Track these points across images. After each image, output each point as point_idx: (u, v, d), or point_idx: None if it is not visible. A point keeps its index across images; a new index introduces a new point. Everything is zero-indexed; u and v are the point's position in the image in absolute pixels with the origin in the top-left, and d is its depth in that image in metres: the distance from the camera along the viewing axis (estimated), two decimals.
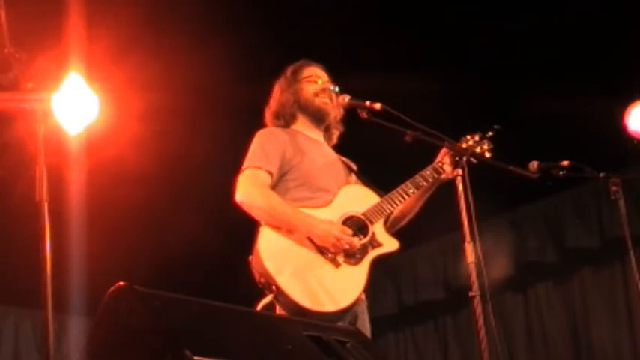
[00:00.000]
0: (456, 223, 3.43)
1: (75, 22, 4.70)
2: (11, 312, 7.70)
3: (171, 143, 5.80)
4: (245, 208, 3.71)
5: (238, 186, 3.74)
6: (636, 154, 5.04)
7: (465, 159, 3.54)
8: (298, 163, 3.82)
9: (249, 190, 3.71)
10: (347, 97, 3.74)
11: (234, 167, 3.87)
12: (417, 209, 3.96)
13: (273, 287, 3.52)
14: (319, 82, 3.98)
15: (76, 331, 7.33)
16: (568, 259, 6.99)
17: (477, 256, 3.39)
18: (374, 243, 3.72)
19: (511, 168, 3.73)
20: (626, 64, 5.33)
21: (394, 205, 3.79)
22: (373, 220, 3.73)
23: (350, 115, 3.79)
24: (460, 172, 3.50)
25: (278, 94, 3.99)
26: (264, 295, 3.59)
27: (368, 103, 3.64)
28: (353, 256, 3.66)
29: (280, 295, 3.51)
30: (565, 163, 4.18)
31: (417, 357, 7.91)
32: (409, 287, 7.78)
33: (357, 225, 3.71)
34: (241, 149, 3.89)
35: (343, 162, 4.02)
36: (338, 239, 3.60)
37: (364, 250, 3.69)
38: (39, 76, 2.97)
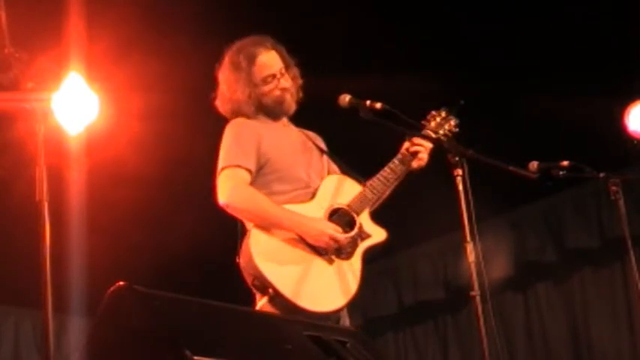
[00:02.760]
0: (456, 223, 3.43)
1: (75, 22, 4.70)
2: (11, 312, 7.69)
3: (171, 143, 5.79)
4: (231, 210, 3.65)
5: (220, 188, 3.66)
6: (636, 154, 5.04)
7: (463, 159, 3.53)
8: (273, 155, 3.73)
9: (233, 191, 3.62)
10: (348, 97, 3.73)
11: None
12: (386, 196, 3.87)
13: (270, 290, 3.48)
14: (276, 78, 3.84)
15: (76, 331, 7.33)
16: (568, 259, 6.99)
17: (477, 256, 3.39)
18: (362, 235, 3.68)
19: (511, 168, 3.73)
20: (626, 64, 5.33)
21: (376, 193, 3.75)
22: (359, 211, 3.69)
23: (350, 115, 3.78)
24: (460, 171, 3.50)
25: (233, 87, 3.82)
26: (255, 297, 3.57)
27: (368, 102, 3.64)
28: (344, 250, 3.63)
29: (277, 297, 3.47)
30: (565, 163, 4.18)
31: (417, 357, 7.90)
32: (409, 287, 7.77)
33: (344, 218, 3.68)
34: None
35: (311, 139, 3.95)
36: (332, 238, 3.57)
37: (354, 243, 3.66)
38: (39, 76, 2.97)
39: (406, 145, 3.81)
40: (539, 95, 5.46)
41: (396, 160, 3.80)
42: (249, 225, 3.66)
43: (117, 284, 2.56)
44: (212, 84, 5.17)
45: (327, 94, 3.97)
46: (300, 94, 3.95)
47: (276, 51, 3.91)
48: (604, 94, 5.02)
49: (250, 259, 3.53)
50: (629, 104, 4.81)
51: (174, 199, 6.34)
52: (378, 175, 3.78)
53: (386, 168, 3.79)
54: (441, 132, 3.85)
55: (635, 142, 4.81)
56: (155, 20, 5.07)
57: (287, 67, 3.90)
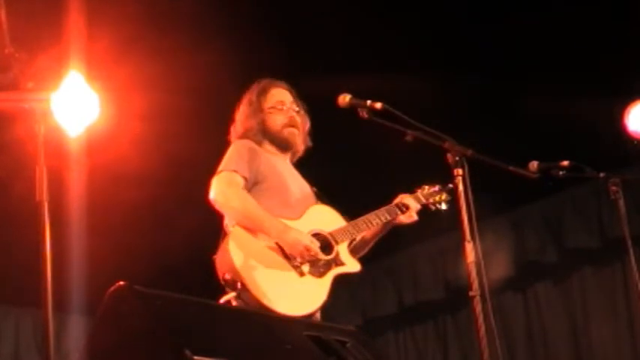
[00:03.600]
0: (456, 223, 3.43)
1: (75, 21, 4.70)
2: (11, 312, 7.70)
3: (171, 143, 5.79)
4: (218, 206, 3.79)
5: (213, 186, 3.81)
6: (636, 154, 5.04)
7: (463, 159, 3.53)
8: (271, 178, 3.89)
9: (225, 190, 3.77)
10: (348, 97, 3.73)
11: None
12: (372, 243, 4.08)
13: (238, 284, 3.57)
14: (284, 107, 4.03)
15: (76, 331, 7.33)
16: (568, 259, 6.99)
17: (476, 256, 3.39)
18: (337, 261, 3.80)
19: (511, 168, 3.73)
20: (626, 64, 5.33)
21: (359, 231, 3.91)
22: (338, 240, 3.83)
23: (350, 115, 3.78)
24: (460, 171, 3.50)
25: (243, 118, 4.05)
26: (225, 293, 3.66)
27: (369, 102, 3.64)
28: (317, 269, 3.73)
29: (244, 292, 3.56)
30: (565, 163, 4.18)
31: (417, 357, 7.91)
32: (409, 287, 7.78)
33: (324, 242, 3.79)
34: None
35: (307, 184, 4.09)
36: (307, 248, 3.67)
37: (328, 266, 3.77)
38: (39, 76, 2.97)
39: (396, 200, 4.03)
40: (540, 95, 5.46)
41: (383, 209, 3.98)
42: (231, 224, 3.78)
43: (117, 284, 2.56)
44: (213, 84, 5.19)
45: (327, 94, 3.97)
46: (308, 141, 4.11)
47: (290, 92, 4.10)
48: (604, 94, 5.02)
49: (226, 253, 3.65)
50: (629, 104, 4.80)
51: (175, 199, 6.34)
52: (363, 217, 3.94)
53: (372, 213, 3.95)
54: (431, 200, 4.12)
55: (635, 142, 4.80)
56: (156, 19, 5.07)
57: (298, 109, 4.07)
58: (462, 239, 3.41)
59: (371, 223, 3.93)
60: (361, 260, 3.97)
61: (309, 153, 4.16)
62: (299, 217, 3.85)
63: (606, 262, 6.83)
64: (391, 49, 5.40)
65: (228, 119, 4.21)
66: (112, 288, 2.56)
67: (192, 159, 5.88)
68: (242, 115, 4.06)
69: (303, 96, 4.19)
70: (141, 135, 5.59)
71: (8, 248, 6.10)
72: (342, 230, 3.86)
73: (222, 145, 4.08)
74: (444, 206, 4.13)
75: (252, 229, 3.71)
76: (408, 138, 3.58)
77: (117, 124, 4.96)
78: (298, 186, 4.00)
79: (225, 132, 4.15)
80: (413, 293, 7.76)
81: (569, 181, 4.30)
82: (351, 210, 3.99)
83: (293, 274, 3.68)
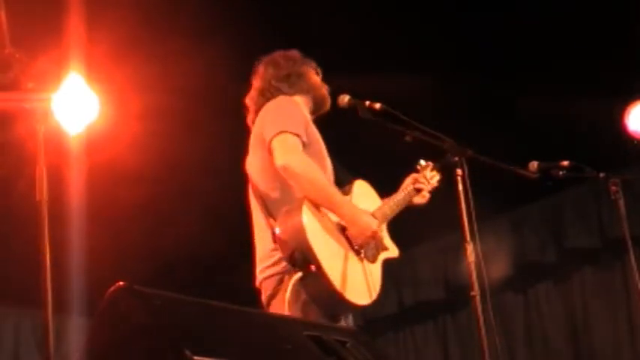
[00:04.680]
0: (456, 223, 3.43)
1: (75, 23, 4.70)
2: (11, 312, 7.70)
3: (170, 143, 5.80)
4: (288, 174, 3.41)
5: (280, 149, 3.43)
6: (636, 154, 5.04)
7: (463, 159, 3.54)
8: (314, 144, 3.62)
9: (296, 156, 3.41)
10: (347, 97, 3.73)
11: (233, 168, 3.85)
12: None
13: (312, 267, 3.27)
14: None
15: (76, 331, 7.33)
16: (568, 259, 6.99)
17: (477, 256, 3.39)
18: (382, 246, 3.62)
19: (511, 168, 3.74)
20: (626, 64, 5.34)
21: (393, 212, 3.74)
22: (381, 222, 3.62)
23: (350, 115, 3.78)
24: (460, 171, 3.50)
25: (290, 64, 3.79)
26: (261, 291, 3.49)
27: (368, 103, 3.64)
28: (370, 253, 3.54)
29: (316, 275, 3.28)
30: (565, 163, 4.19)
31: (417, 357, 7.90)
32: (409, 287, 7.78)
33: None
34: (241, 149, 3.87)
35: None
36: (375, 234, 3.47)
37: (377, 250, 3.59)
38: (39, 76, 2.97)
39: (408, 181, 3.88)
40: (540, 95, 5.47)
41: (402, 191, 3.82)
42: (285, 199, 3.48)
43: (117, 284, 2.56)
44: (212, 84, 5.18)
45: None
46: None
47: None
48: (604, 94, 5.02)
49: (300, 231, 3.30)
50: (629, 104, 4.81)
51: (174, 199, 6.34)
52: (392, 198, 3.77)
53: (397, 194, 3.80)
54: (425, 185, 3.91)
55: (635, 142, 4.81)
56: (155, 21, 5.07)
57: None
58: (462, 239, 3.41)
59: (400, 204, 3.75)
60: None
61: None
62: (348, 192, 3.60)
63: (606, 262, 6.83)
64: (391, 50, 5.40)
65: (226, 120, 4.21)
66: (112, 288, 2.56)
67: (191, 159, 5.89)
68: (287, 62, 3.81)
69: None
70: (140, 135, 5.60)
71: (8, 248, 6.10)
72: (380, 211, 3.63)
73: (221, 145, 4.09)
74: (435, 182, 3.91)
75: (322, 204, 3.41)
76: (408, 138, 3.58)
77: (116, 125, 4.97)
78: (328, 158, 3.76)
79: (224, 132, 4.14)
80: (413, 293, 7.76)
81: (569, 181, 4.30)
82: None
83: (354, 258, 3.44)
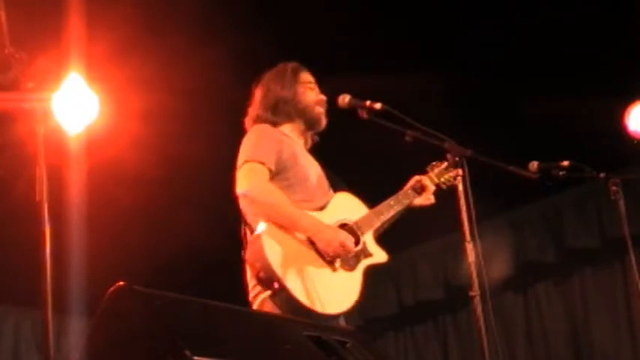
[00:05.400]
0: (456, 223, 3.43)
1: (75, 22, 4.70)
2: (11, 312, 7.70)
3: (170, 144, 5.79)
4: (248, 201, 3.64)
5: (242, 177, 3.66)
6: (636, 154, 5.04)
7: (463, 159, 3.53)
8: (292, 166, 3.78)
9: (256, 184, 3.63)
10: (347, 97, 3.73)
11: (234, 168, 3.86)
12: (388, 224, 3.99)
13: (275, 284, 3.48)
14: (315, 89, 3.98)
15: (76, 331, 7.33)
16: (568, 259, 6.99)
17: (477, 256, 3.39)
18: (365, 252, 3.73)
19: (511, 168, 3.74)
20: (626, 64, 5.34)
21: (381, 218, 3.82)
22: (364, 230, 3.74)
23: (349, 116, 3.79)
24: (460, 171, 3.50)
25: (277, 89, 3.91)
26: (249, 295, 3.61)
27: (368, 103, 3.64)
28: (348, 262, 3.67)
29: (281, 291, 3.47)
30: (565, 163, 4.19)
31: (417, 357, 7.91)
32: (409, 287, 7.78)
33: (350, 233, 3.72)
34: None
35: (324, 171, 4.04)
36: (343, 245, 3.60)
37: (357, 258, 3.70)
38: (39, 76, 2.96)
39: (411, 182, 3.94)
40: (539, 95, 5.46)
41: (400, 193, 3.90)
42: (255, 221, 3.64)
43: (116, 284, 2.56)
44: (212, 85, 5.18)
45: (327, 94, 3.98)
46: (315, 137, 4.04)
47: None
48: (604, 94, 5.02)
49: (261, 251, 3.51)
50: (629, 104, 4.81)
51: (174, 199, 6.34)
52: (383, 203, 3.85)
53: (391, 198, 3.87)
54: (442, 179, 3.96)
55: (635, 142, 4.80)
56: (155, 21, 5.07)
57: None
58: (462, 239, 3.41)
59: (392, 208, 3.83)
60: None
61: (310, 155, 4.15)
62: (323, 207, 3.74)
63: (606, 262, 6.83)
64: (391, 50, 5.40)
65: (226, 119, 4.20)
66: (112, 288, 2.56)
67: (191, 159, 5.89)
68: (274, 86, 3.92)
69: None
70: (140, 135, 5.59)
71: (8, 248, 6.10)
72: (366, 219, 3.76)
73: (222, 145, 4.08)
74: (457, 182, 3.96)
75: (283, 225, 3.59)
76: (408, 138, 3.58)
77: (116, 125, 4.97)
78: (315, 172, 3.89)
79: (224, 132, 4.14)
80: (413, 293, 7.76)
81: (569, 181, 4.30)
82: None
83: (327, 270, 3.59)
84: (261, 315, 3.28)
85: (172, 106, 5.53)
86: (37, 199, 2.84)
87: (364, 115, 3.64)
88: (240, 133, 4.11)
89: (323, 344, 2.77)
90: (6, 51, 2.90)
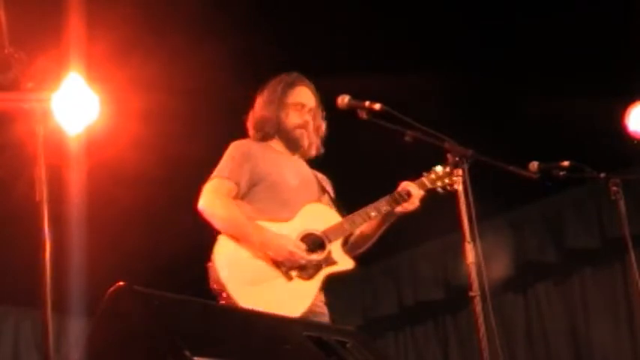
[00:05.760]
0: (456, 223, 3.43)
1: (75, 22, 4.70)
2: (11, 312, 7.70)
3: (171, 144, 5.79)
4: (205, 216, 3.81)
5: (203, 194, 3.84)
6: (636, 154, 5.04)
7: (463, 159, 3.53)
8: (269, 176, 3.88)
9: (212, 198, 3.80)
10: (347, 98, 3.73)
11: None
12: (376, 236, 4.00)
13: (224, 294, 3.63)
14: (303, 110, 4.02)
15: (76, 331, 7.34)
16: (568, 259, 6.99)
17: (477, 256, 3.39)
18: (329, 261, 3.77)
19: (511, 168, 3.74)
20: (626, 64, 5.33)
21: (355, 226, 3.85)
22: (331, 239, 3.78)
23: (350, 116, 3.78)
24: (460, 171, 3.50)
25: (262, 107, 4.04)
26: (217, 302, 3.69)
27: (368, 103, 3.64)
28: (306, 271, 3.72)
29: (229, 302, 3.60)
30: (565, 163, 4.19)
31: (417, 357, 7.91)
32: (409, 287, 7.78)
33: (315, 242, 3.77)
34: None
35: (318, 179, 4.07)
36: (291, 254, 3.67)
37: (318, 266, 3.75)
38: (39, 76, 2.96)
39: (398, 188, 3.90)
40: (539, 95, 5.46)
41: (382, 200, 3.88)
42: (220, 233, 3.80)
43: (116, 284, 2.56)
44: (212, 85, 5.18)
45: (327, 94, 3.98)
46: (316, 146, 4.09)
47: (315, 95, 4.08)
48: (604, 94, 5.02)
49: (213, 263, 3.71)
50: (629, 104, 4.81)
51: (174, 199, 6.33)
52: (360, 211, 3.87)
53: (371, 205, 3.87)
54: (439, 184, 3.88)
55: (635, 142, 4.80)
56: (155, 20, 5.07)
57: (316, 118, 4.06)
58: (462, 239, 3.41)
59: (369, 216, 3.85)
60: (361, 260, 3.95)
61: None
62: (292, 217, 3.82)
63: (606, 262, 6.83)
64: (391, 50, 5.40)
65: (226, 119, 4.21)
66: (112, 288, 2.56)
67: (192, 159, 5.88)
68: (262, 103, 4.04)
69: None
70: (140, 135, 5.59)
71: (8, 248, 6.10)
72: (335, 228, 3.81)
73: (222, 146, 4.08)
74: (457, 186, 3.91)
75: (237, 237, 3.73)
76: (408, 139, 3.58)
77: (116, 125, 4.97)
78: (302, 184, 3.95)
79: (224, 133, 4.15)
80: (413, 293, 7.76)
81: (569, 181, 4.30)
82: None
83: (281, 280, 3.68)
84: (261, 315, 3.28)
85: (172, 106, 5.52)
86: (37, 199, 2.84)
87: (364, 115, 3.64)
88: (241, 133, 4.12)
89: (323, 344, 2.77)
90: (6, 51, 2.90)
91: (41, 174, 2.86)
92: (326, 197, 4.04)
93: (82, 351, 2.65)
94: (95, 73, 3.91)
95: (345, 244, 3.89)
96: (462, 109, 5.67)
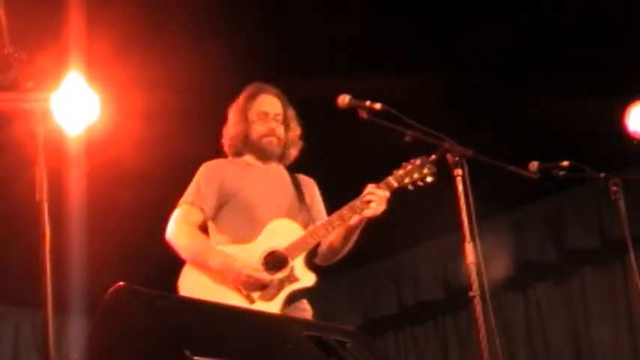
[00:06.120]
0: (456, 223, 3.43)
1: (75, 21, 4.69)
2: (11, 312, 7.70)
3: (171, 143, 5.79)
4: (171, 245, 3.88)
5: (169, 223, 3.92)
6: (636, 154, 5.04)
7: (463, 159, 3.53)
8: (237, 194, 3.91)
9: (175, 228, 3.89)
10: (347, 98, 3.72)
11: None
12: (349, 243, 3.94)
13: None
14: (268, 117, 4.02)
15: (76, 331, 7.33)
16: (568, 259, 6.99)
17: (476, 256, 3.39)
18: (291, 278, 3.75)
19: (511, 168, 3.73)
20: (626, 64, 5.33)
21: (317, 238, 3.82)
22: (294, 255, 3.76)
23: (350, 116, 3.78)
24: (460, 171, 3.50)
25: (231, 124, 4.09)
26: None
27: (368, 103, 3.64)
28: (268, 291, 3.71)
29: None
30: (565, 163, 4.18)
31: (417, 357, 7.91)
32: (409, 287, 7.78)
33: (278, 260, 3.76)
34: None
35: (299, 185, 4.06)
36: (249, 277, 3.68)
37: (281, 285, 3.73)
38: (39, 76, 2.96)
39: (364, 192, 3.83)
40: (539, 95, 5.46)
41: (346, 207, 3.83)
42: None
43: (117, 284, 2.56)
44: (214, 84, 5.17)
45: (327, 94, 3.97)
46: (295, 147, 4.10)
47: (279, 98, 4.09)
48: (604, 94, 5.02)
49: (177, 292, 3.78)
50: (629, 104, 4.81)
51: (175, 199, 6.33)
52: (323, 221, 3.87)
53: (335, 213, 3.85)
54: (407, 180, 3.80)
55: (635, 142, 4.80)
56: (155, 19, 5.06)
57: (285, 117, 4.06)
58: (462, 239, 3.41)
59: (332, 226, 3.81)
60: (361, 260, 3.93)
61: (306, 156, 4.14)
62: (256, 236, 3.82)
63: (606, 262, 6.83)
64: (391, 49, 5.40)
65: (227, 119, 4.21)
66: (112, 288, 2.56)
67: (193, 159, 5.87)
68: (231, 120, 4.10)
69: (303, 97, 4.17)
70: (141, 135, 5.59)
71: (8, 248, 6.10)
72: (298, 243, 3.78)
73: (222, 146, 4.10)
74: (429, 179, 3.78)
75: (199, 265, 3.78)
76: (408, 138, 3.57)
77: (116, 124, 4.96)
78: (273, 197, 3.96)
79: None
80: (413, 293, 7.76)
81: (569, 181, 4.30)
82: None
83: (244, 304, 3.67)
84: (261, 315, 3.28)
85: (173, 105, 5.52)
86: (37, 199, 2.84)
87: (364, 115, 3.64)
88: None
89: (323, 344, 2.77)
90: (5, 51, 2.90)
91: (41, 174, 2.86)
92: (304, 204, 4.01)
93: (82, 351, 2.65)
94: (95, 72, 3.90)
95: (312, 256, 3.88)
96: (462, 109, 5.67)
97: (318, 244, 3.89)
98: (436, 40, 5.38)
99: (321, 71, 4.26)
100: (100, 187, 5.83)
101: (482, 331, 3.29)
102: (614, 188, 4.36)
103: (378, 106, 3.60)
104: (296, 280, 3.76)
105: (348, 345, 2.87)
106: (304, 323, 3.03)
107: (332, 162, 5.21)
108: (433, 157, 3.70)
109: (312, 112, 4.19)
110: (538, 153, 4.16)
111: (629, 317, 6.64)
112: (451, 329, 7.71)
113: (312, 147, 4.18)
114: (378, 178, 3.90)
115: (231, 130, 4.08)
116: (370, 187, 3.81)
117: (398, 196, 3.92)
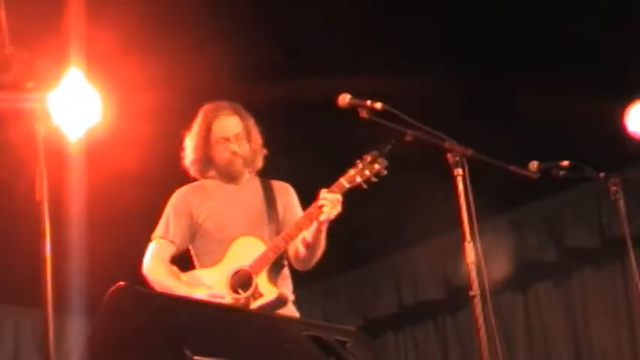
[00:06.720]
0: (456, 223, 3.43)
1: (75, 21, 4.69)
2: (11, 312, 7.70)
3: (172, 143, 5.78)
4: (146, 280, 3.96)
5: (145, 256, 4.06)
6: (636, 154, 5.04)
7: (463, 159, 3.53)
8: (208, 218, 3.99)
9: (148, 263, 4.02)
10: (348, 97, 3.72)
11: None
12: (316, 250, 3.93)
13: None
14: (231, 138, 4.04)
15: (76, 331, 7.33)
16: (568, 259, 6.99)
17: (476, 256, 3.39)
18: (256, 295, 3.78)
19: (511, 168, 3.73)
20: (626, 64, 5.33)
21: (278, 251, 3.84)
22: (257, 271, 3.80)
23: (349, 116, 3.78)
24: (460, 171, 3.50)
25: (191, 149, 4.14)
26: None
27: (369, 102, 3.63)
28: None
29: None
30: (565, 163, 4.18)
31: (417, 357, 7.90)
32: (409, 287, 7.77)
33: (243, 279, 3.80)
34: None
35: (271, 193, 4.07)
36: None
37: (247, 303, 3.76)
38: (39, 76, 2.96)
39: (317, 198, 3.83)
40: (539, 95, 5.46)
41: (303, 216, 3.87)
42: None
43: (117, 284, 2.56)
44: (215, 84, 5.16)
45: (327, 94, 3.97)
46: (259, 155, 4.12)
47: (237, 115, 4.10)
48: (604, 94, 5.02)
49: None
50: (629, 104, 4.81)
51: None
52: (283, 233, 3.88)
53: (294, 223, 3.88)
54: (359, 179, 3.78)
55: (635, 142, 4.80)
56: (157, 19, 5.06)
57: (247, 134, 4.08)
58: (462, 239, 3.41)
59: (291, 238, 3.83)
60: (361, 260, 3.92)
61: (306, 156, 4.14)
62: (221, 258, 3.88)
63: (606, 262, 6.83)
64: (390, 49, 5.40)
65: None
66: (112, 288, 2.56)
67: None
68: (190, 145, 4.15)
69: (303, 97, 4.17)
70: (141, 135, 5.58)
71: (8, 248, 6.10)
72: (260, 259, 3.82)
73: None
74: (383, 173, 3.76)
75: None
76: (408, 138, 3.57)
77: (117, 124, 4.96)
78: (242, 214, 3.99)
79: None
80: (413, 293, 7.75)
81: (569, 181, 4.30)
82: None
83: None
84: (261, 315, 3.28)
85: (174, 106, 5.50)
86: (37, 199, 2.84)
87: (365, 114, 3.63)
88: None
89: (323, 344, 2.77)
90: (6, 50, 2.90)
91: (41, 174, 2.86)
92: (274, 213, 4.03)
93: (82, 351, 2.65)
94: (96, 72, 3.91)
95: (278, 268, 3.90)
96: (462, 108, 5.67)
97: (282, 256, 3.90)
98: (436, 40, 5.38)
99: (321, 71, 4.25)
100: (100, 187, 5.83)
101: (482, 330, 3.29)
102: (614, 188, 4.35)
103: (378, 105, 3.60)
104: (260, 295, 3.79)
105: (348, 345, 2.87)
106: (304, 323, 3.03)
107: (332, 162, 5.20)
108: (388, 146, 3.71)
109: (312, 112, 4.19)
110: (538, 153, 4.16)
111: (628, 317, 6.64)
112: (451, 329, 7.71)
113: (312, 147, 4.18)
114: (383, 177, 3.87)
115: (191, 155, 4.13)
116: (322, 192, 3.81)
117: (398, 196, 3.92)
